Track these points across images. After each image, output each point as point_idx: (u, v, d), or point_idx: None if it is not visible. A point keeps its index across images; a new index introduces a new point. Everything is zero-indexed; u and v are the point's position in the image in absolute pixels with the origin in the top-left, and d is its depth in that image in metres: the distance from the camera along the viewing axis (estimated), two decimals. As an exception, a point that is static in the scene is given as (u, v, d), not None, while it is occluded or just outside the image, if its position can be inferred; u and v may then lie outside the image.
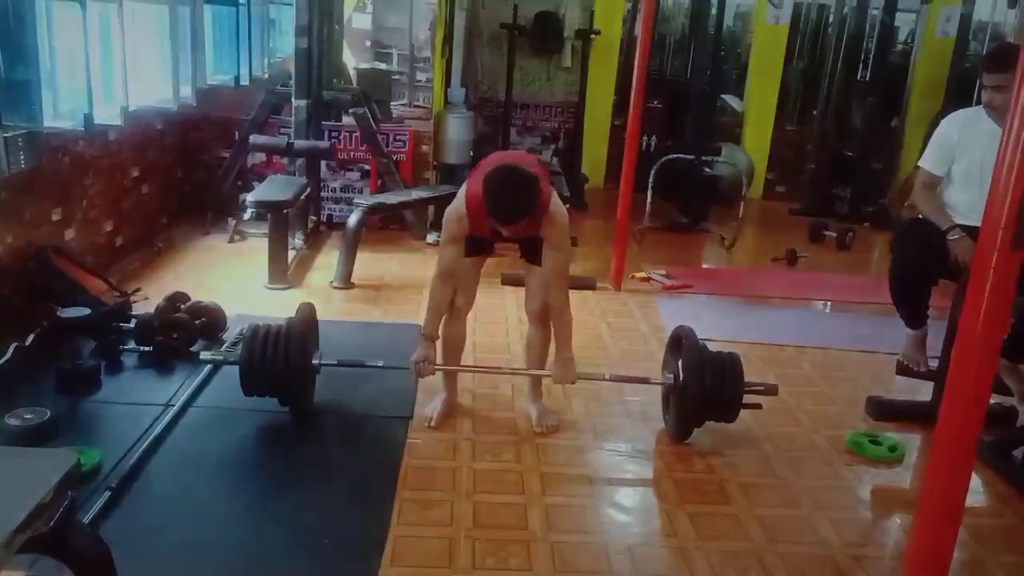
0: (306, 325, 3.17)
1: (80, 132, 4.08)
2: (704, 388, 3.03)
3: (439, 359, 3.36)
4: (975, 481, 3.09)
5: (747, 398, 3.16)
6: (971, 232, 3.25)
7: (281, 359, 3.00)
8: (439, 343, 3.31)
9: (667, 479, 3.02)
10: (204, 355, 3.38)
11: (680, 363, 3.14)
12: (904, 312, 3.60)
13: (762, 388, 3.22)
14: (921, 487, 1.99)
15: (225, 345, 3.71)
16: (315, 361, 3.20)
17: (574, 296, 4.83)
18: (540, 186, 2.85)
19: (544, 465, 3.03)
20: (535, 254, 3.12)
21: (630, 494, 2.95)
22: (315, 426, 3.24)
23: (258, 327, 3.12)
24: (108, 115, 4.44)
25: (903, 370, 3.70)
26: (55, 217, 4.07)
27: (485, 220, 2.93)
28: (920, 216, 3.51)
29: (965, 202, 3.38)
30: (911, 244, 3.59)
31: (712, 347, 4.26)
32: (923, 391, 3.66)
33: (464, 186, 3.05)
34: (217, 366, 3.57)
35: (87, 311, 3.59)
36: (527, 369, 3.39)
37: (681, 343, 3.18)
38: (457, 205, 3.01)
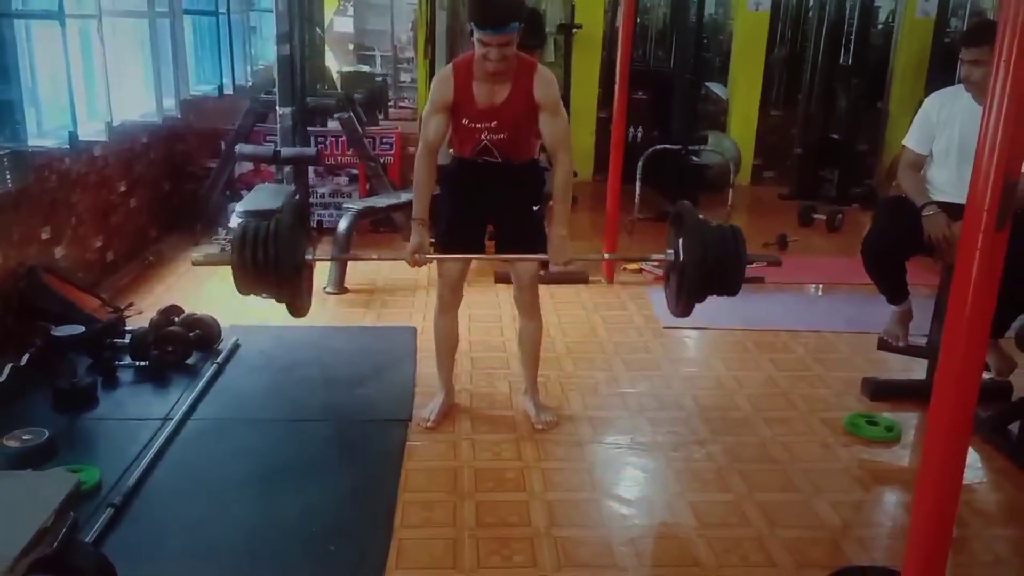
0: (296, 219, 3.00)
1: (66, 149, 4.07)
2: (706, 260, 2.84)
3: (433, 360, 3.38)
4: (973, 457, 3.11)
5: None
6: (949, 208, 3.29)
7: (272, 255, 2.82)
8: (433, 342, 3.34)
9: (667, 469, 3.03)
10: (196, 257, 3.19)
11: (680, 237, 2.96)
12: (880, 286, 3.63)
13: (765, 261, 3.10)
14: (919, 466, 2.01)
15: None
16: (308, 257, 3.04)
17: (566, 291, 4.89)
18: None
19: (544, 461, 3.04)
20: (511, 237, 3.12)
21: (631, 486, 2.96)
22: (314, 432, 3.24)
23: (247, 225, 2.93)
24: (93, 131, 4.44)
25: (883, 345, 3.74)
26: (44, 235, 4.06)
27: (471, 84, 2.89)
28: (903, 194, 3.55)
29: (944, 179, 3.41)
30: (885, 218, 3.64)
31: (708, 335, 4.32)
32: (918, 369, 3.69)
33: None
34: (213, 377, 3.58)
35: (81, 329, 3.58)
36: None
37: (682, 219, 3.00)
38: (443, 69, 2.98)
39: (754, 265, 2.96)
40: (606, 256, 3.35)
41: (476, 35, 2.78)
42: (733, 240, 2.88)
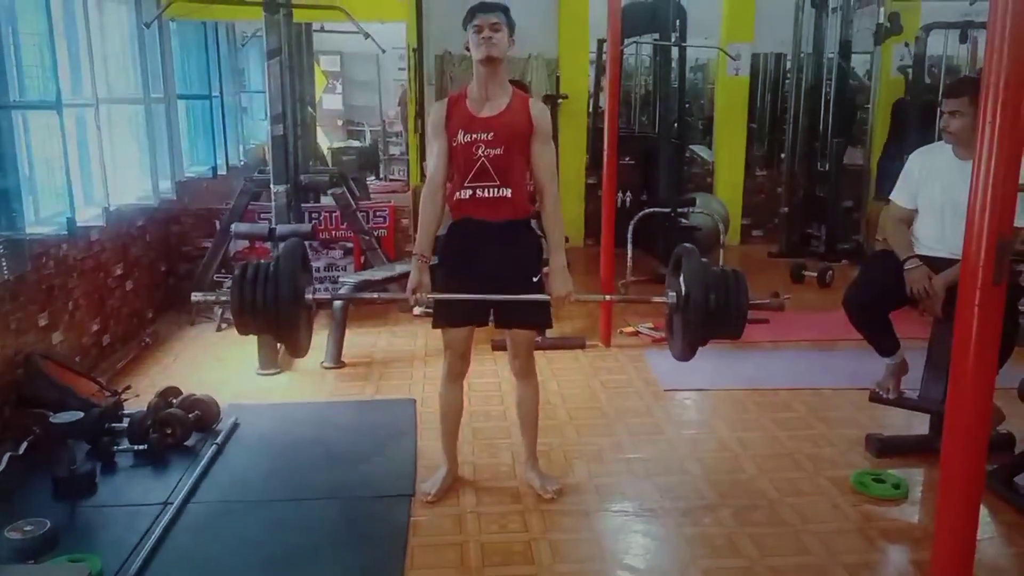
0: (296, 258, 2.98)
1: (63, 236, 4.09)
2: (708, 303, 2.84)
3: (434, 432, 3.35)
4: (982, 511, 3.08)
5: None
6: (932, 261, 3.36)
7: (272, 293, 2.80)
8: (434, 413, 3.31)
9: (676, 535, 3.00)
10: (195, 296, 3.12)
11: (682, 280, 2.96)
12: (866, 338, 3.69)
13: (768, 304, 3.08)
14: (933, 524, 2.00)
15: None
16: (309, 296, 3.01)
17: (565, 356, 4.89)
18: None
19: (552, 532, 3.00)
20: (511, 311, 3.12)
21: (641, 555, 2.92)
22: (317, 512, 3.20)
23: (247, 264, 2.91)
24: (90, 216, 4.48)
25: (875, 397, 3.78)
26: (41, 322, 4.05)
27: (464, 103, 2.99)
28: (890, 248, 3.62)
29: (927, 233, 3.49)
30: (867, 272, 3.75)
31: (708, 397, 4.32)
32: (920, 424, 3.69)
33: None
34: (213, 458, 3.55)
35: (79, 415, 3.54)
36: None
37: (682, 261, 3.00)
38: (437, 102, 3.14)
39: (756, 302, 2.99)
40: (607, 298, 3.40)
41: (470, 27, 2.93)
42: (735, 281, 2.91)
